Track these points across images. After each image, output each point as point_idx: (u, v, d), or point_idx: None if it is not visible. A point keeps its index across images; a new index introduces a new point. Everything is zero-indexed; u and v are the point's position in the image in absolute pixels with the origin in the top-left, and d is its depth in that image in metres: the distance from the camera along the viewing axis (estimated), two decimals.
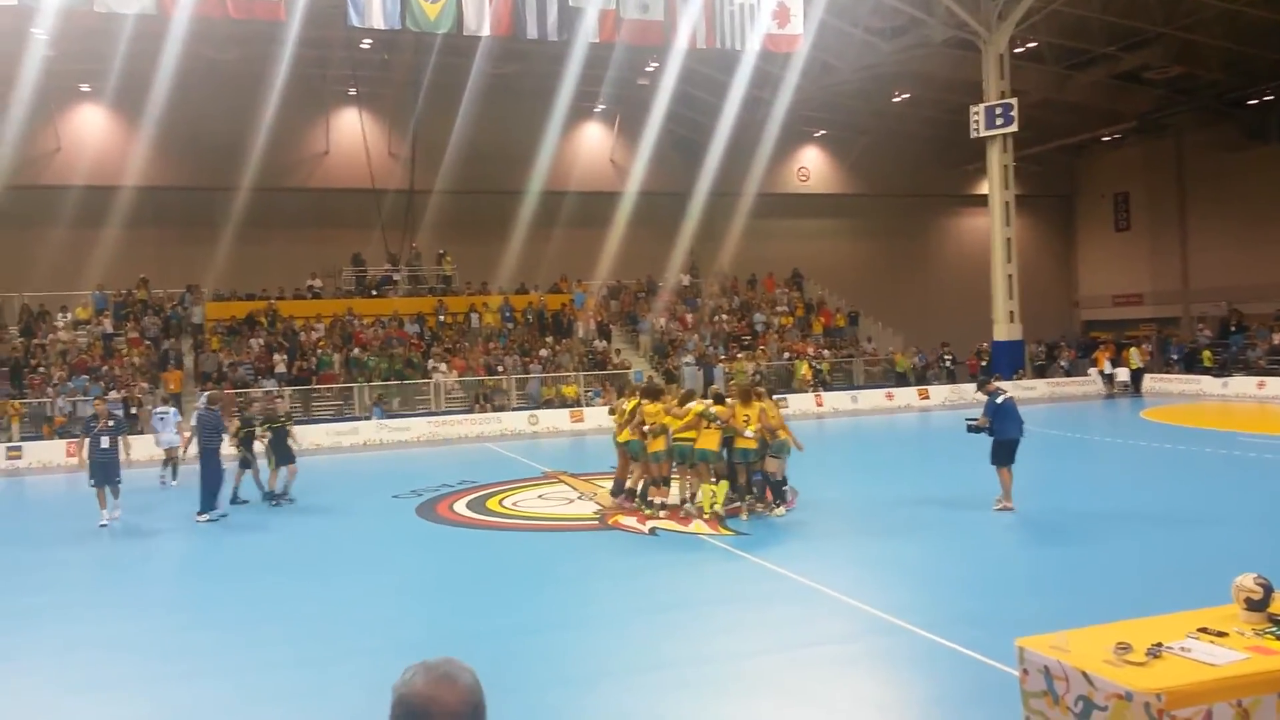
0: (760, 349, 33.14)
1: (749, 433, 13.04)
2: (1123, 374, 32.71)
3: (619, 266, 36.14)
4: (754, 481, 13.56)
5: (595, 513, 14.22)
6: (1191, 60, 33.08)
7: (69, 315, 29.55)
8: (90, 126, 32.67)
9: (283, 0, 22.40)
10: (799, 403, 29.41)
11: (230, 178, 30.90)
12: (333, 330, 30.92)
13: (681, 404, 13.73)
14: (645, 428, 13.59)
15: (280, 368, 28.31)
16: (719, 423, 13.15)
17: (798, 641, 8.03)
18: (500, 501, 15.53)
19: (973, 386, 20.04)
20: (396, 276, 34.60)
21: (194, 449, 15.46)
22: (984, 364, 32.30)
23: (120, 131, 32.50)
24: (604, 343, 32.84)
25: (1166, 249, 41.81)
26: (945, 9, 29.23)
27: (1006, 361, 31.83)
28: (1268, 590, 5.02)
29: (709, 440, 13.17)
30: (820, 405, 30.19)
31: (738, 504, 13.35)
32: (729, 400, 13.60)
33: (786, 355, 33.11)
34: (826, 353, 33.94)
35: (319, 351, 29.44)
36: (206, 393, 19.00)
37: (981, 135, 31.41)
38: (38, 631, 9.22)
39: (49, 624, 9.47)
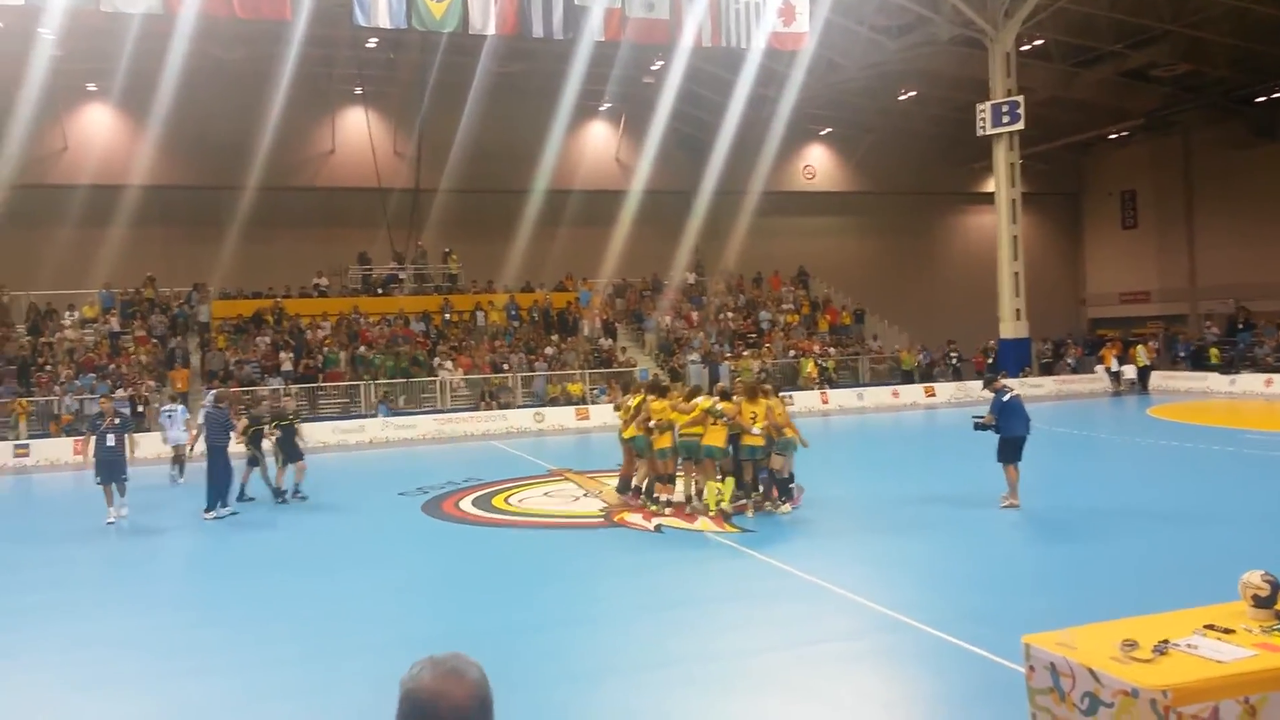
0: (766, 347, 33.13)
1: (756, 430, 13.04)
2: (1130, 371, 32.64)
3: (624, 265, 36.14)
4: (760, 479, 13.57)
5: (601, 510, 14.22)
6: (1199, 58, 32.96)
7: (76, 314, 29.65)
8: (97, 126, 32.75)
9: None
10: (805, 400, 29.40)
11: (236, 177, 30.97)
12: (339, 328, 30.98)
13: (688, 400, 13.74)
14: (651, 423, 13.60)
15: (286, 366, 28.38)
16: (725, 419, 13.16)
17: (804, 639, 8.03)
18: (506, 499, 15.55)
19: (979, 384, 20.04)
20: (402, 275, 34.65)
21: (201, 446, 15.50)
22: (990, 362, 32.28)
23: (127, 131, 32.58)
24: (609, 341, 32.86)
25: (1174, 246, 41.69)
26: (952, 7, 29.15)
27: (1013, 359, 31.77)
28: (1275, 587, 5.01)
29: (715, 436, 13.17)
30: (826, 403, 30.20)
31: (744, 501, 13.36)
32: (735, 397, 13.60)
33: (792, 353, 33.09)
34: (832, 350, 33.93)
35: (325, 350, 29.51)
36: (214, 390, 19.07)
37: (988, 133, 31.33)
38: (45, 628, 9.25)
39: (56, 621, 9.50)
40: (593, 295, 35.11)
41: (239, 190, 31.07)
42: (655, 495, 13.78)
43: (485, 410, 27.79)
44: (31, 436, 24.53)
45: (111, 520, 14.50)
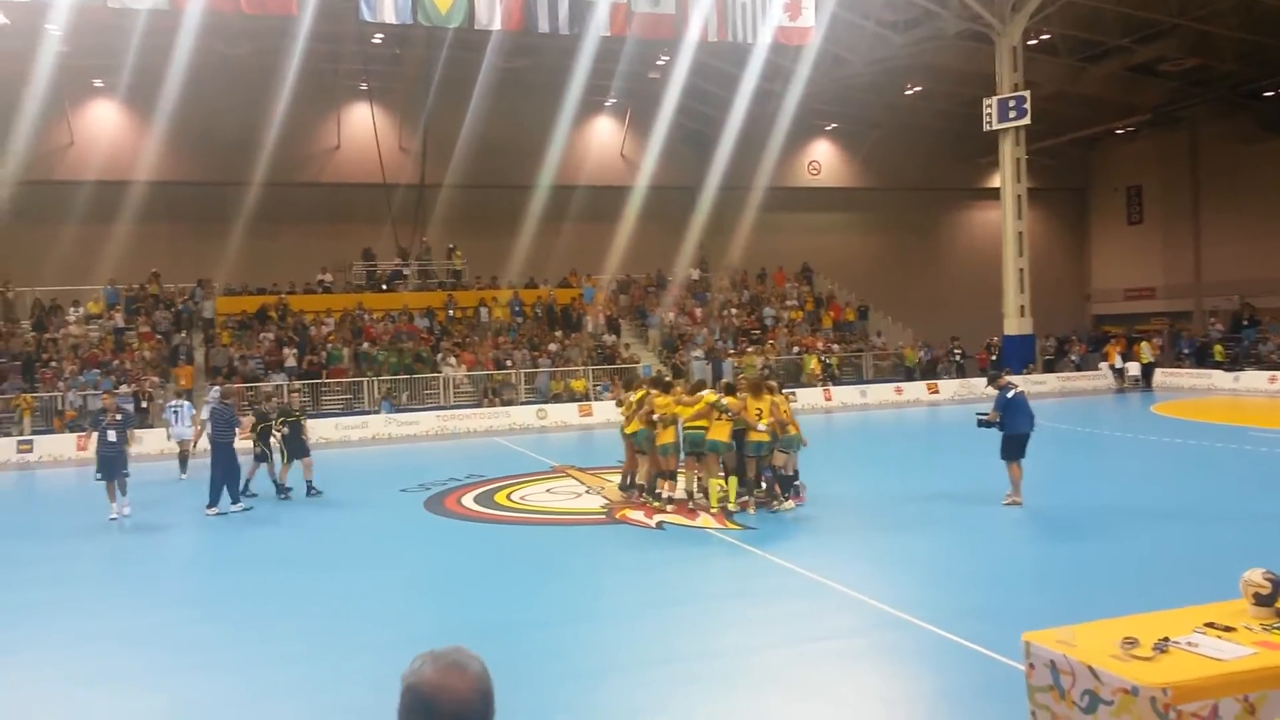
0: (769, 343, 33.11)
1: (761, 426, 13.03)
2: (1134, 368, 32.58)
3: (629, 261, 36.13)
4: (765, 477, 13.57)
5: (603, 507, 14.23)
6: (1207, 52, 32.84)
7: (81, 309, 29.72)
8: (103, 122, 32.80)
9: None
10: (808, 397, 29.39)
11: (242, 173, 31.02)
12: (343, 324, 31.02)
13: (692, 394, 13.74)
14: (655, 416, 13.60)
15: (290, 362, 28.41)
16: (730, 415, 13.15)
17: (806, 636, 8.04)
18: (508, 496, 15.56)
19: (982, 381, 20.00)
20: (406, 271, 34.67)
21: (204, 442, 15.50)
22: (994, 358, 32.22)
23: (132, 126, 32.63)
24: (613, 337, 32.86)
25: (1179, 242, 41.57)
26: (959, 1, 29.09)
27: (1017, 356, 31.73)
28: (1276, 585, 5.00)
29: (720, 431, 13.17)
30: (829, 400, 30.17)
31: (746, 498, 13.36)
32: (740, 393, 13.59)
33: (795, 350, 33.07)
34: (836, 347, 33.90)
35: (329, 346, 29.54)
36: (220, 386, 19.10)
37: (994, 128, 31.28)
38: (49, 624, 9.28)
39: (60, 617, 9.53)
40: (597, 291, 35.10)
41: (244, 186, 31.13)
42: (657, 492, 13.79)
43: (488, 407, 27.81)
44: (35, 432, 24.58)
45: (114, 516, 14.54)
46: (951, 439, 21.92)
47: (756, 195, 36.68)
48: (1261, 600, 5.00)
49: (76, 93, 31.76)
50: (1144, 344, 33.47)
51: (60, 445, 23.61)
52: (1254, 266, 36.97)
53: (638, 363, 30.69)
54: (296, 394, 19.10)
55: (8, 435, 24.37)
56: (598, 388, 29.49)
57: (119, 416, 15.11)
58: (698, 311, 35.07)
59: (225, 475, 14.88)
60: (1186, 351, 34.08)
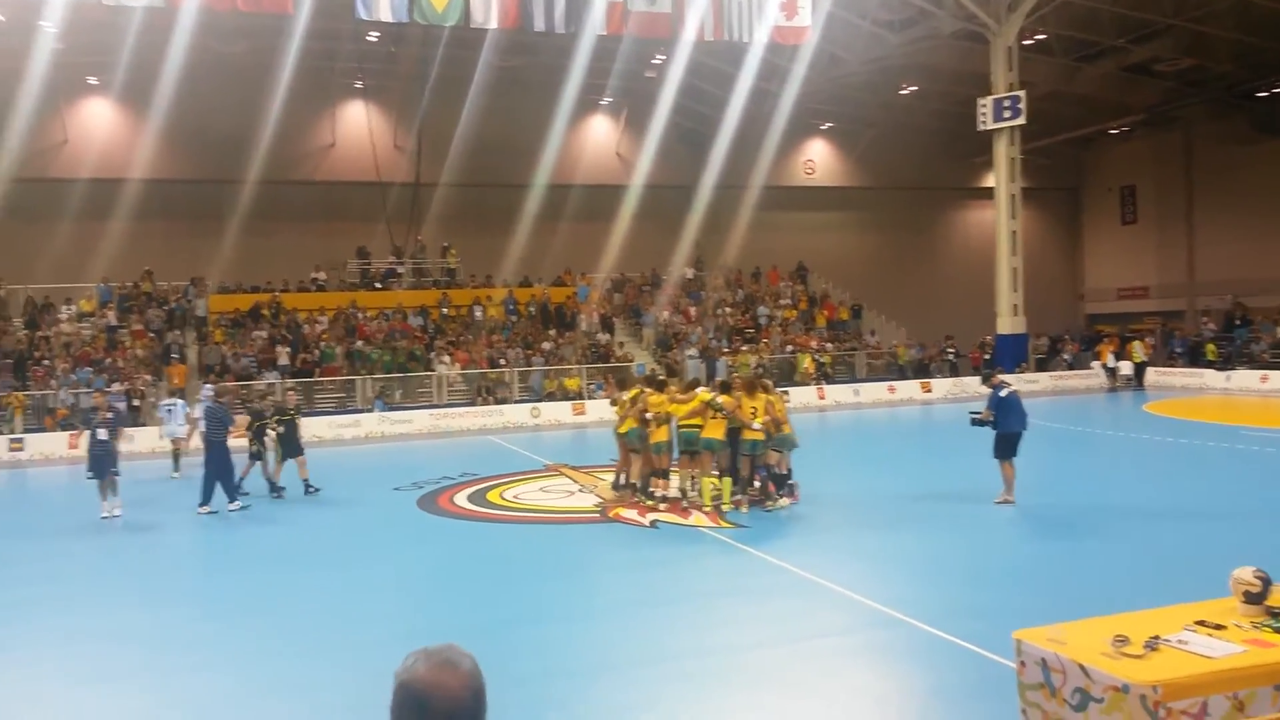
0: (763, 342, 33.13)
1: (756, 424, 13.04)
2: (1126, 367, 32.65)
3: (623, 260, 36.11)
4: (759, 475, 13.58)
5: (596, 505, 14.24)
6: (1202, 52, 32.91)
7: (73, 307, 29.63)
8: (97, 119, 32.71)
9: None
10: (801, 396, 29.37)
11: (236, 170, 30.97)
12: (336, 323, 30.96)
13: (686, 391, 13.74)
14: (648, 415, 13.61)
15: (283, 360, 28.36)
16: (725, 413, 13.16)
17: (798, 634, 8.05)
18: (501, 494, 15.56)
19: (976, 379, 20.02)
20: (401, 269, 34.64)
21: (197, 440, 15.46)
22: (987, 357, 32.27)
23: (127, 124, 32.54)
24: (607, 336, 32.85)
25: (1173, 242, 41.67)
26: (954, 1, 29.13)
27: (1010, 355, 31.79)
28: (1266, 583, 5.02)
29: (714, 429, 13.18)
30: (822, 398, 30.17)
31: (739, 497, 13.37)
32: (734, 391, 13.59)
33: (789, 349, 33.09)
34: (829, 346, 33.93)
35: (322, 344, 29.49)
36: (214, 385, 19.05)
37: (989, 128, 31.33)
38: (41, 622, 9.26)
39: (53, 615, 9.51)
40: (591, 290, 35.09)
41: (239, 184, 31.07)
42: (650, 490, 13.79)
43: (482, 405, 27.80)
44: (27, 430, 24.49)
45: (106, 515, 14.51)
46: (945, 438, 21.96)
47: (752, 194, 36.70)
48: (1251, 598, 5.02)
49: (71, 90, 31.66)
50: (1136, 343, 33.55)
51: (52, 443, 23.54)
52: (1247, 266, 37.06)
53: (632, 361, 30.69)
54: (292, 392, 19.03)
55: None
56: (591, 386, 29.49)
57: (110, 415, 15.07)
58: (692, 310, 35.09)
59: (219, 473, 14.82)
60: (1179, 351, 34.17)
